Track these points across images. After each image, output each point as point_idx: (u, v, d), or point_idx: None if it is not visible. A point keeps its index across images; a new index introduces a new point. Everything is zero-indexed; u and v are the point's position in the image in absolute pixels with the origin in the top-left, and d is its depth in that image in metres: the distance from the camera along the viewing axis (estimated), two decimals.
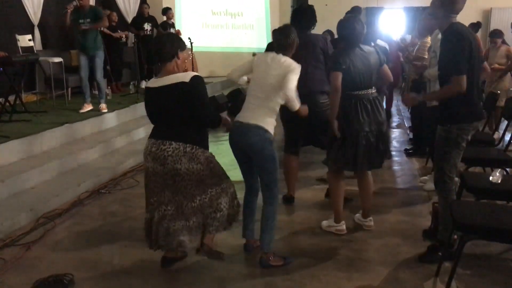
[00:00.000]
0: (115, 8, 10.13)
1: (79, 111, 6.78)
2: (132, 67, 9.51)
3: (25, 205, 4.28)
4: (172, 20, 10.07)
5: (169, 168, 2.94)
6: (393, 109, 9.36)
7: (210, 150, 3.14)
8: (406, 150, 6.43)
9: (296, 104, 3.16)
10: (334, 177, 3.83)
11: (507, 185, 3.36)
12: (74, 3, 6.75)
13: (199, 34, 11.53)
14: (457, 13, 3.20)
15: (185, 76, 2.94)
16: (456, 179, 3.42)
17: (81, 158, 5.57)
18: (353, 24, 3.61)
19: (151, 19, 9.81)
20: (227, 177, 3.16)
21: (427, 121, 4.86)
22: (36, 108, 6.82)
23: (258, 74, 3.27)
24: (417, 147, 6.23)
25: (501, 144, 4.90)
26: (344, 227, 3.86)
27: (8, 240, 3.77)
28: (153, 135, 3.07)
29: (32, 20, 8.10)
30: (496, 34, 7.39)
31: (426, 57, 5.18)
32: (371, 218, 3.97)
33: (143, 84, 8.90)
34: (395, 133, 7.71)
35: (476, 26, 8.19)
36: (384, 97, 6.90)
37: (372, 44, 4.24)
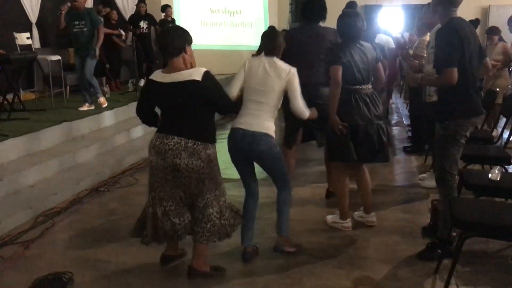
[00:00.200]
0: (114, 6, 10.12)
1: (78, 109, 6.77)
2: (130, 65, 9.50)
3: (24, 203, 4.28)
4: (171, 17, 10.03)
5: (168, 163, 2.92)
6: (392, 107, 9.36)
7: None
8: (405, 147, 6.43)
9: (306, 114, 3.29)
10: (339, 174, 3.86)
11: (506, 182, 3.37)
12: (68, 3, 6.71)
13: (197, 32, 11.46)
14: (456, 6, 3.20)
15: (196, 74, 2.89)
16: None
17: (80, 156, 5.56)
18: (354, 20, 3.63)
19: (148, 17, 9.78)
20: (222, 182, 3.13)
21: (426, 119, 4.86)
22: (34, 106, 6.81)
23: (256, 79, 3.23)
24: (416, 144, 6.23)
25: (499, 142, 4.91)
26: (350, 224, 3.87)
27: (7, 238, 3.77)
28: (159, 129, 3.05)
29: (30, 18, 8.08)
30: (493, 31, 7.37)
31: (425, 55, 5.17)
32: (373, 213, 3.97)
33: (142, 82, 8.90)
34: (394, 131, 7.70)
35: (474, 23, 8.18)
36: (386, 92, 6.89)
37: (375, 41, 4.25)
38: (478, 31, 5.07)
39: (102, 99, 7.01)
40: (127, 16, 10.52)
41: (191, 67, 3.00)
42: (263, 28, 13.34)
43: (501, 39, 7.45)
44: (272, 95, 3.20)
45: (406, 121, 8.11)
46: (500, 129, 5.09)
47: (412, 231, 3.84)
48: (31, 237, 3.80)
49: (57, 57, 7.55)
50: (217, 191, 3.07)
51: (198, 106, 2.94)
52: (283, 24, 13.24)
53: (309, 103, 3.42)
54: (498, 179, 3.31)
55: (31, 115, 6.25)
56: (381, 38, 6.76)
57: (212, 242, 3.08)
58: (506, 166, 4.03)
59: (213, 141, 3.05)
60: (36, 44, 8.14)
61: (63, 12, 6.70)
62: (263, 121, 3.20)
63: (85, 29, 6.62)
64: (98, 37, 6.76)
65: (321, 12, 4.31)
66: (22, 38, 7.64)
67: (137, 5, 9.88)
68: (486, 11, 13.31)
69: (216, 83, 2.99)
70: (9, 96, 6.46)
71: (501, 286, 3.06)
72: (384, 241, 3.69)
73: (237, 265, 3.33)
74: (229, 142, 3.29)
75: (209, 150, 2.99)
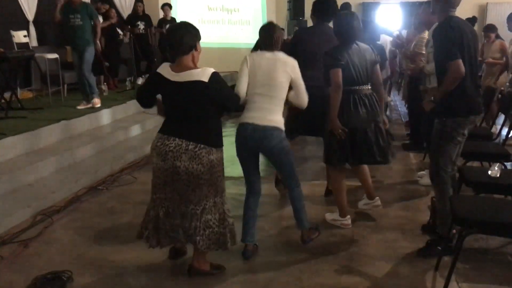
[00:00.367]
0: (111, 4, 10.07)
1: (76, 107, 6.75)
2: (128, 64, 9.47)
3: (23, 202, 4.26)
4: (170, 17, 9.98)
5: (169, 165, 2.86)
6: (391, 104, 9.35)
7: None
8: (403, 145, 6.43)
9: (306, 103, 3.34)
10: (336, 174, 3.86)
11: (505, 179, 3.37)
12: None
13: None
14: (455, 7, 3.21)
15: (203, 75, 2.81)
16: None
17: (78, 154, 5.54)
18: (350, 21, 3.63)
19: (145, 18, 9.73)
20: (223, 190, 3.04)
21: (425, 116, 4.86)
22: (32, 105, 6.77)
23: (262, 73, 3.21)
24: (414, 142, 6.23)
25: (498, 139, 4.91)
26: (349, 221, 3.89)
27: (6, 237, 3.75)
28: (161, 130, 2.97)
29: (27, 16, 8.05)
30: (490, 29, 7.38)
31: (424, 52, 5.17)
32: (377, 197, 4.09)
33: (140, 81, 8.88)
34: (393, 128, 7.70)
35: (471, 21, 8.18)
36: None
37: (378, 41, 4.27)
38: (476, 29, 5.05)
39: (96, 100, 6.93)
40: (125, 14, 10.48)
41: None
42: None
43: (498, 36, 7.46)
44: (280, 88, 3.21)
45: (404, 119, 8.11)
46: (499, 126, 5.10)
47: (412, 228, 3.85)
48: (30, 236, 3.78)
49: (55, 55, 7.51)
50: (217, 198, 2.98)
51: (202, 108, 2.88)
52: (280, 21, 13.22)
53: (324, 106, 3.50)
54: (498, 175, 3.33)
55: (29, 113, 6.22)
56: (385, 39, 6.79)
57: (213, 250, 3.02)
58: (505, 163, 4.04)
59: (218, 145, 2.96)
60: (34, 42, 8.10)
61: (58, 5, 6.66)
62: (273, 115, 3.21)
63: (80, 22, 6.56)
64: (96, 31, 6.74)
65: (330, 12, 4.33)
66: (19, 36, 7.59)
67: (134, 4, 9.84)
68: (483, 9, 13.32)
69: (222, 84, 2.94)
70: (7, 95, 6.43)
71: (502, 282, 3.06)
72: (384, 239, 3.70)
73: (237, 263, 3.32)
74: (237, 138, 3.27)
75: (212, 156, 2.89)
